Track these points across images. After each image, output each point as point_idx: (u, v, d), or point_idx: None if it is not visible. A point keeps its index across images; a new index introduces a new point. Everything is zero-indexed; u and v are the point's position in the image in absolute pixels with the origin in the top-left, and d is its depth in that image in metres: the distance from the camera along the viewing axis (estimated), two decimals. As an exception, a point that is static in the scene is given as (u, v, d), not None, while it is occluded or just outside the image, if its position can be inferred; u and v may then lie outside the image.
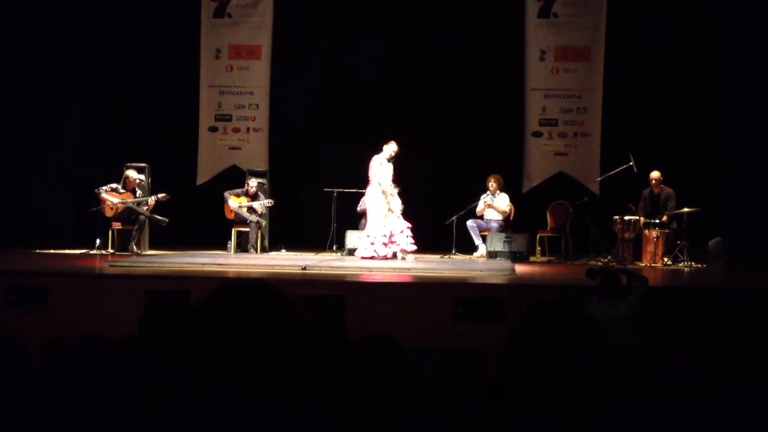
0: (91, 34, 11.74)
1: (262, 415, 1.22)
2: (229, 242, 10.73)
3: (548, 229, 11.18)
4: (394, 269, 8.23)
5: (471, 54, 11.60)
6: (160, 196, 10.33)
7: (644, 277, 5.80)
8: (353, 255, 9.70)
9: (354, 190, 10.75)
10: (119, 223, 10.34)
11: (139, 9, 11.65)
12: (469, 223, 10.56)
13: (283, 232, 11.23)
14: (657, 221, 9.81)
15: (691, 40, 10.96)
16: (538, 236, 11.01)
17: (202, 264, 8.32)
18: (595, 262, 9.40)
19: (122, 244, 10.26)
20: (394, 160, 9.50)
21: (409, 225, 9.56)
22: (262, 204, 10.70)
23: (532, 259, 10.35)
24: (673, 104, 11.07)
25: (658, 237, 9.74)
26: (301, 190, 11.47)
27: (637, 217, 9.89)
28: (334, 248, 10.39)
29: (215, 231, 10.97)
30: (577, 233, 10.76)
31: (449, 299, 6.41)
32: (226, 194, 10.77)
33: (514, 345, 1.62)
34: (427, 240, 10.96)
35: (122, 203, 10.27)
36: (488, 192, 10.72)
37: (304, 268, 7.89)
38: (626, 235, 9.81)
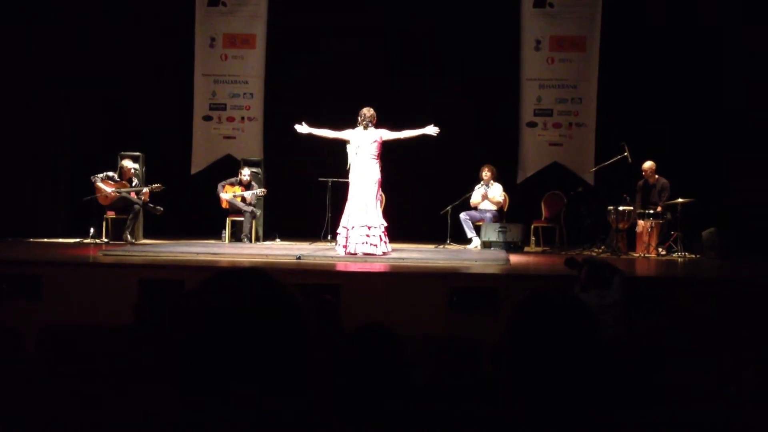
0: (86, 23, 11.68)
1: (260, 405, 1.22)
2: (224, 232, 10.72)
3: (543, 219, 11.20)
4: (388, 259, 8.22)
5: (466, 44, 11.58)
6: (154, 186, 10.31)
7: (618, 268, 5.82)
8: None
9: (349, 180, 10.72)
10: (113, 212, 10.33)
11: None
12: (462, 215, 10.54)
13: (277, 222, 11.22)
14: (651, 212, 9.83)
15: (689, 28, 10.94)
16: (532, 226, 11.02)
17: (196, 253, 8.32)
18: (581, 252, 9.42)
19: (116, 233, 10.24)
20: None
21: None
22: (254, 193, 10.68)
23: (526, 249, 10.36)
24: (670, 94, 11.06)
25: (652, 227, 9.76)
26: (295, 180, 11.45)
27: (632, 208, 9.91)
28: (329, 238, 10.38)
29: (209, 220, 10.95)
30: (571, 223, 10.79)
31: (444, 289, 6.42)
32: (219, 186, 10.75)
33: (511, 334, 1.62)
34: (422, 230, 10.98)
35: (117, 192, 10.25)
36: (482, 182, 10.72)
37: (299, 258, 7.89)
38: (620, 226, 9.83)
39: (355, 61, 11.63)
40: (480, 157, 10.91)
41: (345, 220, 8.53)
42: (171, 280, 6.43)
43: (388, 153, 8.87)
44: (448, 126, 11.40)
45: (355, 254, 8.28)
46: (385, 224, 8.62)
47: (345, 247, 8.45)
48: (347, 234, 8.45)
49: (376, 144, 8.52)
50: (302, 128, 8.89)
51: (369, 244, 8.35)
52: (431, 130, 8.65)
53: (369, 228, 8.39)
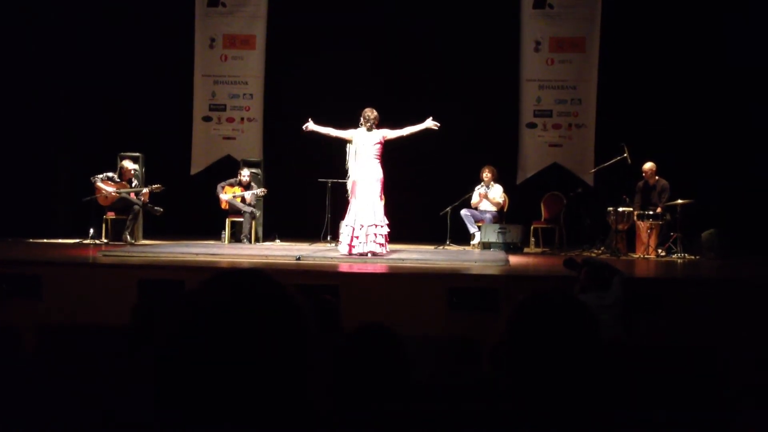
0: (86, 23, 11.68)
1: (260, 406, 1.21)
2: (223, 232, 10.72)
3: (542, 220, 11.20)
4: (388, 260, 8.21)
5: (466, 45, 11.58)
6: (153, 187, 10.31)
7: (618, 269, 5.84)
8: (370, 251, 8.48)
9: (347, 181, 10.74)
10: (113, 213, 10.33)
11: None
12: (464, 212, 10.56)
13: (277, 223, 11.22)
14: (650, 213, 9.84)
15: (688, 30, 10.95)
16: (532, 227, 11.02)
17: (196, 254, 8.31)
18: (580, 253, 9.43)
19: (116, 233, 10.24)
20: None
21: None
22: (253, 193, 10.69)
23: (526, 250, 10.36)
24: (670, 94, 11.06)
25: (651, 228, 9.76)
26: (295, 180, 11.45)
27: (631, 209, 9.91)
28: (329, 239, 10.38)
29: (209, 221, 10.95)
30: (571, 224, 10.79)
31: (444, 290, 6.42)
32: (219, 187, 10.75)
33: (511, 334, 1.62)
34: (422, 231, 10.97)
35: (117, 193, 10.25)
36: (482, 183, 10.72)
37: (299, 259, 7.88)
38: (620, 227, 9.83)
39: (355, 61, 11.63)
40: (480, 157, 10.90)
41: (351, 219, 8.54)
42: (171, 281, 6.43)
43: (388, 153, 8.87)
44: (449, 127, 11.42)
45: (366, 254, 8.30)
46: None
47: (350, 246, 8.45)
48: (354, 233, 8.44)
49: (379, 145, 8.55)
50: (309, 125, 8.87)
51: (377, 243, 8.39)
52: (431, 123, 8.68)
53: (377, 227, 8.43)
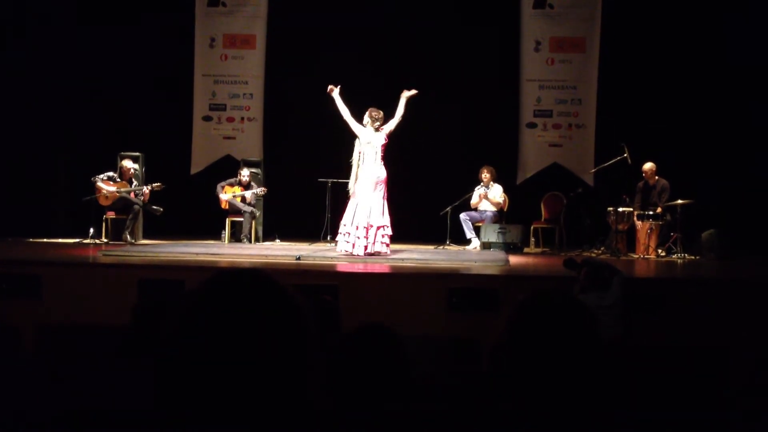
0: (86, 22, 11.68)
1: (260, 405, 1.21)
2: (223, 232, 10.72)
3: (542, 220, 11.20)
4: (388, 260, 8.21)
5: (466, 45, 11.58)
6: (154, 185, 10.32)
7: (618, 269, 5.84)
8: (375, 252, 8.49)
9: (348, 180, 10.74)
10: (113, 213, 10.33)
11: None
12: (463, 216, 10.55)
13: (277, 222, 11.22)
14: (650, 213, 9.84)
15: (688, 29, 10.96)
16: (532, 227, 11.02)
17: (196, 254, 8.31)
18: (580, 253, 9.44)
19: (116, 233, 10.25)
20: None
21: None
22: (254, 193, 10.69)
23: (526, 250, 10.35)
24: (670, 95, 11.06)
25: (651, 228, 9.76)
26: (295, 180, 11.45)
27: (631, 209, 9.91)
28: (328, 239, 10.38)
29: (209, 221, 10.95)
30: (571, 224, 10.79)
31: (444, 290, 6.42)
32: (219, 187, 10.75)
33: (511, 334, 1.62)
34: (422, 231, 10.97)
35: (117, 192, 10.25)
36: (482, 183, 10.72)
37: (299, 259, 7.88)
38: (620, 227, 9.84)
39: (355, 61, 11.62)
40: (480, 157, 10.90)
41: (350, 218, 8.52)
42: (171, 281, 6.43)
43: (388, 153, 8.87)
44: (449, 127, 11.45)
45: (366, 254, 8.29)
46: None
47: (347, 244, 8.44)
48: (355, 233, 8.42)
49: (383, 145, 8.57)
50: (335, 91, 8.79)
51: (382, 243, 8.43)
52: (408, 93, 8.69)
53: (382, 227, 8.45)
